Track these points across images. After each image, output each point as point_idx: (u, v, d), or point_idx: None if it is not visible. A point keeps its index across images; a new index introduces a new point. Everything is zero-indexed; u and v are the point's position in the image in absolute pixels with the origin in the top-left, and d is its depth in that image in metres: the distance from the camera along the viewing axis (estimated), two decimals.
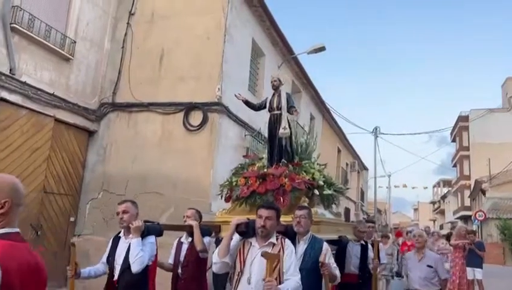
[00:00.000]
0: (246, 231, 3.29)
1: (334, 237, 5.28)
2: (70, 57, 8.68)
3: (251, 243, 3.29)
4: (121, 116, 9.45)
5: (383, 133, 27.36)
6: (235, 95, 6.31)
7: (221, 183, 5.90)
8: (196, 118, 8.82)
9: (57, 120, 8.48)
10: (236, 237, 3.31)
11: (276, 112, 5.85)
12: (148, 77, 9.37)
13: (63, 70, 8.65)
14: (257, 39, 10.94)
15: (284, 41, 12.16)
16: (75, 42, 8.80)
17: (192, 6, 9.37)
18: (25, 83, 7.67)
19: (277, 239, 3.30)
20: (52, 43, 8.25)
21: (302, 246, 4.02)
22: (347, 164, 24.95)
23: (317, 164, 6.05)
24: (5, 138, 7.42)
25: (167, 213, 8.40)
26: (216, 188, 6.67)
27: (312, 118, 17.08)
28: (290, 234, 3.94)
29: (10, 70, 7.41)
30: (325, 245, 4.01)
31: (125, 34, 9.73)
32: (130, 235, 3.67)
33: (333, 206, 6.25)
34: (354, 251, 5.53)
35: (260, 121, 11.08)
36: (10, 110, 7.52)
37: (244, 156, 6.45)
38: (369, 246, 5.69)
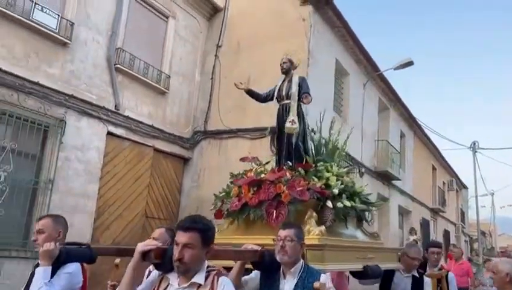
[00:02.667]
0: (162, 262, 2.24)
1: (355, 266, 3.83)
2: (165, 90, 9.40)
3: (169, 282, 2.23)
4: (212, 143, 9.93)
5: (482, 148, 25.16)
6: (235, 84, 5.28)
7: (216, 194, 4.71)
8: None
9: (156, 149, 9.17)
10: (155, 271, 2.37)
11: (285, 101, 4.72)
12: (235, 104, 9.75)
13: (159, 103, 9.37)
14: (340, 59, 10.90)
15: (369, 59, 11.95)
16: (169, 77, 9.53)
17: (275, 34, 9.64)
18: (128, 117, 8.46)
19: (207, 277, 2.17)
20: (150, 79, 9.02)
21: (289, 284, 2.81)
22: (444, 183, 23.33)
23: (341, 166, 4.77)
24: (112, 167, 8.18)
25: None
26: None
27: (402, 135, 16.37)
28: (269, 264, 2.89)
29: (115, 106, 8.23)
30: (325, 276, 2.87)
31: (214, 66, 10.29)
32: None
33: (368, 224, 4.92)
34: (402, 285, 4.14)
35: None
36: (116, 142, 8.30)
37: (241, 160, 5.19)
38: (426, 279, 4.20)
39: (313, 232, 3.64)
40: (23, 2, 6.73)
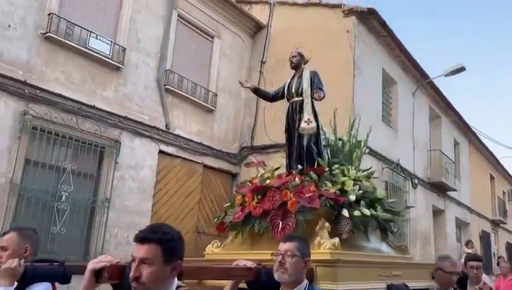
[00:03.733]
0: (120, 283, 1.85)
1: (377, 286, 3.27)
2: (213, 108, 9.61)
3: None
4: (259, 158, 9.97)
5: None
6: (239, 82, 5.05)
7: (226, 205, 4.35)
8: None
9: (205, 166, 9.36)
10: None
11: (295, 98, 4.32)
12: (281, 118, 9.78)
13: (207, 121, 9.59)
14: (387, 68, 10.69)
15: (417, 67, 11.63)
16: (216, 95, 9.74)
17: (319, 47, 9.61)
18: (178, 136, 8.72)
19: None
20: (198, 98, 9.27)
21: None
22: (504, 192, 22.00)
23: (360, 169, 4.25)
24: (164, 185, 8.43)
25: None
26: None
27: (456, 143, 15.68)
28: (266, 284, 2.51)
29: (166, 125, 8.52)
30: None
31: (259, 82, 10.41)
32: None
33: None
34: None
35: (397, 151, 10.61)
36: (167, 160, 8.56)
37: (246, 165, 4.74)
38: None
39: (324, 246, 3.17)
40: (80, 31, 7.17)
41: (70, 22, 7.06)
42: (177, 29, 9.04)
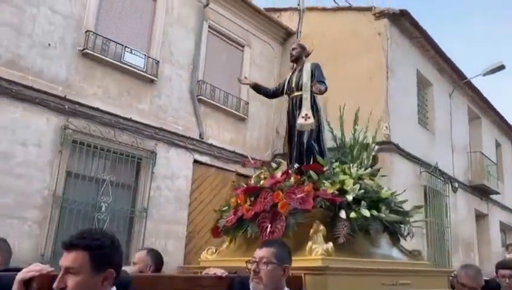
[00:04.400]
0: None
1: None
2: (245, 116, 9.67)
3: None
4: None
5: None
6: (238, 79, 4.95)
7: (218, 209, 4.17)
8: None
9: (238, 174, 9.38)
10: None
11: (295, 93, 4.05)
12: None
13: (240, 129, 9.65)
14: (422, 70, 10.43)
15: (453, 67, 11.30)
16: (248, 103, 9.79)
17: (350, 52, 9.53)
18: (211, 145, 8.82)
19: None
20: (230, 107, 9.35)
21: None
22: None
23: (365, 166, 3.87)
24: (199, 194, 8.53)
25: None
26: None
27: (498, 145, 15.08)
28: None
29: (200, 135, 8.64)
30: None
31: None
32: None
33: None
34: None
35: (436, 154, 10.30)
36: (202, 169, 8.66)
37: (243, 165, 4.59)
38: None
39: (316, 251, 2.88)
40: (115, 46, 7.40)
41: (106, 38, 7.31)
42: (208, 40, 9.18)
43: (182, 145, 8.30)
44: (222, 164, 9.04)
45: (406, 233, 3.79)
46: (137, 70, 7.63)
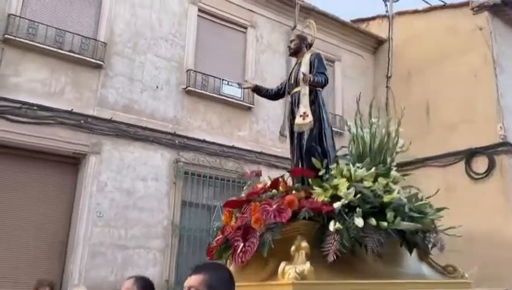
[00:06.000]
0: None
1: None
2: (341, 131, 9.55)
3: None
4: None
5: None
6: (238, 83, 4.21)
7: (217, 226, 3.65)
8: (480, 164, 8.07)
9: None
10: None
11: (295, 89, 3.62)
12: (417, 132, 9.26)
13: (340, 145, 9.54)
14: None
15: None
16: (342, 117, 9.69)
17: (450, 51, 8.99)
18: None
19: None
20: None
21: None
22: None
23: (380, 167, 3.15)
24: None
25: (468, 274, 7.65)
26: None
27: None
28: None
29: None
30: None
31: (387, 98, 10.08)
32: None
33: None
34: None
35: None
36: None
37: (242, 176, 3.80)
38: None
39: (288, 275, 2.38)
40: (214, 81, 7.90)
41: (205, 74, 7.85)
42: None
43: (283, 167, 8.45)
44: None
45: (431, 244, 3.09)
46: (235, 100, 8.04)
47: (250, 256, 2.71)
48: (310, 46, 3.85)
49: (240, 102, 8.12)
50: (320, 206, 2.74)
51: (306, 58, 3.65)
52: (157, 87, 7.39)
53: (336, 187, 2.85)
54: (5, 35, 6.21)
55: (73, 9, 7.02)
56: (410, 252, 2.93)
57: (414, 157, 9.13)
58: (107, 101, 6.90)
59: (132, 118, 7.00)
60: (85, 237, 6.25)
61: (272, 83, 8.84)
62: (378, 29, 10.48)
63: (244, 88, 4.66)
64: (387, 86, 10.15)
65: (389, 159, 3.36)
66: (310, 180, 3.06)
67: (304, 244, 2.59)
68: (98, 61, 6.82)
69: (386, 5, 10.47)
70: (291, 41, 3.89)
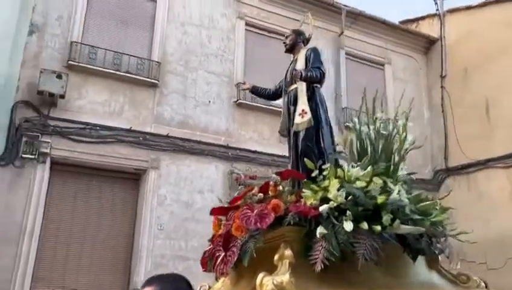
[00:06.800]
0: None
1: None
2: None
3: None
4: (458, 180, 9.15)
5: None
6: (237, 85, 3.87)
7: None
8: None
9: None
10: None
11: (291, 87, 3.45)
12: (477, 132, 8.86)
13: None
14: None
15: None
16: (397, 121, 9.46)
17: (508, 45, 8.54)
18: None
19: None
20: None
21: None
22: None
23: (379, 167, 2.76)
24: None
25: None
26: None
27: None
28: None
29: None
30: None
31: (442, 98, 9.73)
32: None
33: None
34: None
35: None
36: None
37: (236, 181, 3.46)
38: None
39: (266, 287, 2.19)
40: None
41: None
42: (346, 66, 9.26)
43: None
44: None
45: (437, 250, 2.75)
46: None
47: (230, 266, 2.56)
48: (307, 41, 3.68)
49: None
50: (307, 210, 2.48)
51: (302, 54, 3.49)
52: (209, 102, 7.61)
53: (326, 189, 2.58)
54: (69, 62, 6.69)
55: (128, 33, 7.42)
56: (414, 260, 2.59)
57: (476, 159, 8.73)
58: (163, 118, 7.21)
59: (187, 133, 7.25)
60: (148, 249, 6.52)
61: (322, 89, 8.81)
62: (429, 28, 10.18)
63: (242, 89, 4.46)
64: (442, 86, 9.80)
65: (397, 158, 3.03)
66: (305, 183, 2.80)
67: (288, 252, 2.36)
68: (153, 80, 7.16)
69: (436, 4, 10.15)
70: (286, 37, 3.70)
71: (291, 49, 3.64)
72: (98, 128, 6.69)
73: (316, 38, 9.02)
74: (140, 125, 7.01)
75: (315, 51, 3.47)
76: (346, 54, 9.32)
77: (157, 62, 7.32)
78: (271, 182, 2.91)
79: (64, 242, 6.34)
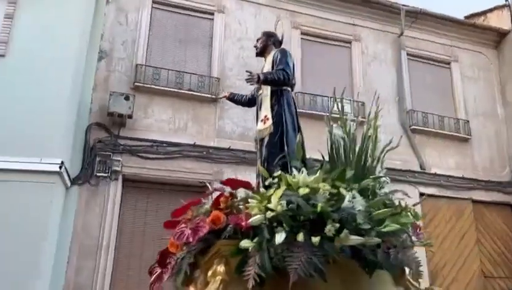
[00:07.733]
0: None
1: None
2: (468, 136, 8.80)
3: None
4: None
5: None
6: (214, 96, 3.55)
7: None
8: None
9: (475, 201, 8.46)
10: None
11: (259, 92, 3.28)
12: None
13: (465, 151, 8.79)
14: None
15: None
16: (467, 121, 8.91)
17: None
18: (435, 174, 8.28)
19: None
20: (447, 130, 8.69)
21: None
22: None
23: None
24: (433, 228, 7.97)
25: None
26: None
27: None
28: None
29: (420, 166, 8.24)
30: None
31: None
32: None
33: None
34: None
35: None
36: (430, 202, 8.12)
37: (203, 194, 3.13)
38: None
39: None
40: (322, 100, 7.94)
41: (313, 94, 7.94)
42: (409, 68, 8.92)
43: (404, 180, 8.02)
44: (452, 193, 8.33)
45: (398, 263, 2.34)
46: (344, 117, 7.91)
47: (162, 282, 2.47)
48: (279, 43, 3.52)
49: (353, 118, 7.97)
50: (240, 223, 2.29)
51: (270, 56, 3.33)
52: None
53: (269, 198, 2.32)
54: (135, 83, 7.08)
55: (188, 52, 7.72)
56: (370, 274, 2.24)
57: None
58: (225, 131, 7.36)
59: (247, 145, 7.32)
60: None
61: (383, 93, 8.52)
62: (498, 21, 9.54)
63: (220, 98, 4.39)
64: None
65: (374, 162, 2.83)
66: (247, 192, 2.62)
67: (220, 268, 2.20)
68: (214, 96, 7.34)
69: None
70: (257, 41, 3.57)
71: (262, 52, 3.51)
72: (164, 145, 6.98)
73: (375, 41, 8.84)
74: (204, 140, 7.22)
75: (282, 51, 3.30)
76: (408, 54, 8.99)
77: (217, 78, 7.51)
78: (226, 193, 2.61)
79: (136, 255, 6.63)
